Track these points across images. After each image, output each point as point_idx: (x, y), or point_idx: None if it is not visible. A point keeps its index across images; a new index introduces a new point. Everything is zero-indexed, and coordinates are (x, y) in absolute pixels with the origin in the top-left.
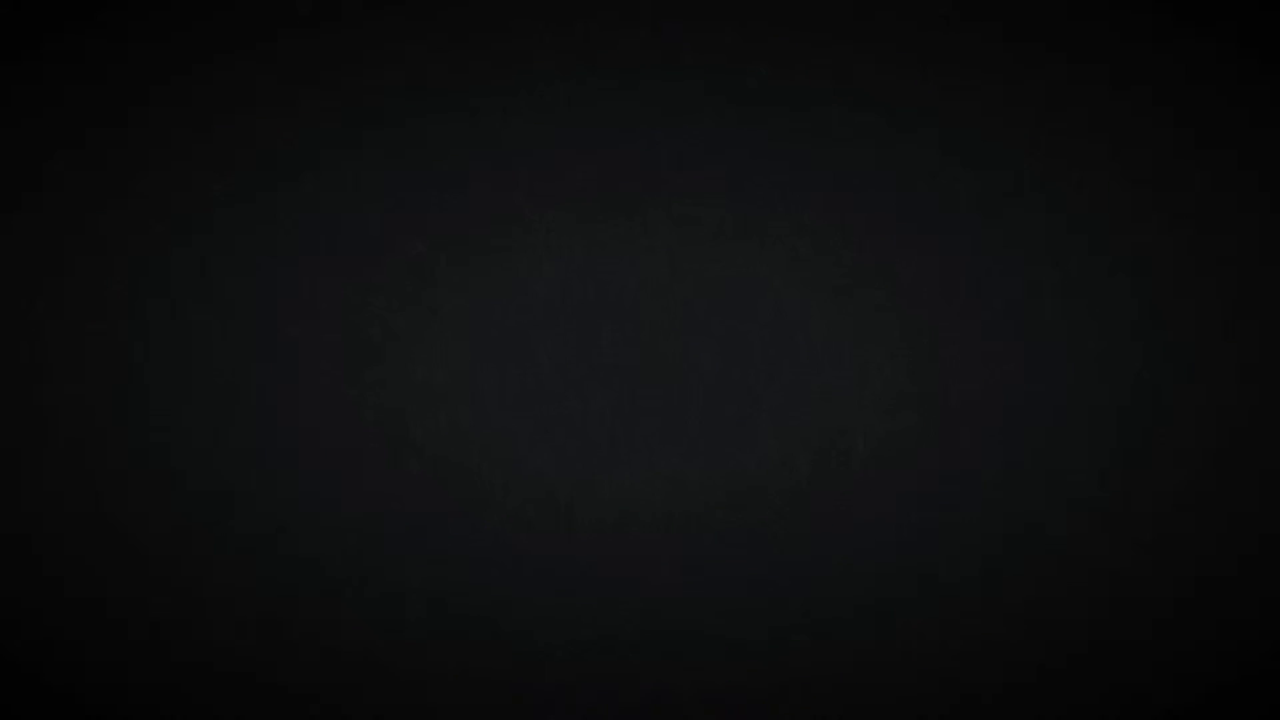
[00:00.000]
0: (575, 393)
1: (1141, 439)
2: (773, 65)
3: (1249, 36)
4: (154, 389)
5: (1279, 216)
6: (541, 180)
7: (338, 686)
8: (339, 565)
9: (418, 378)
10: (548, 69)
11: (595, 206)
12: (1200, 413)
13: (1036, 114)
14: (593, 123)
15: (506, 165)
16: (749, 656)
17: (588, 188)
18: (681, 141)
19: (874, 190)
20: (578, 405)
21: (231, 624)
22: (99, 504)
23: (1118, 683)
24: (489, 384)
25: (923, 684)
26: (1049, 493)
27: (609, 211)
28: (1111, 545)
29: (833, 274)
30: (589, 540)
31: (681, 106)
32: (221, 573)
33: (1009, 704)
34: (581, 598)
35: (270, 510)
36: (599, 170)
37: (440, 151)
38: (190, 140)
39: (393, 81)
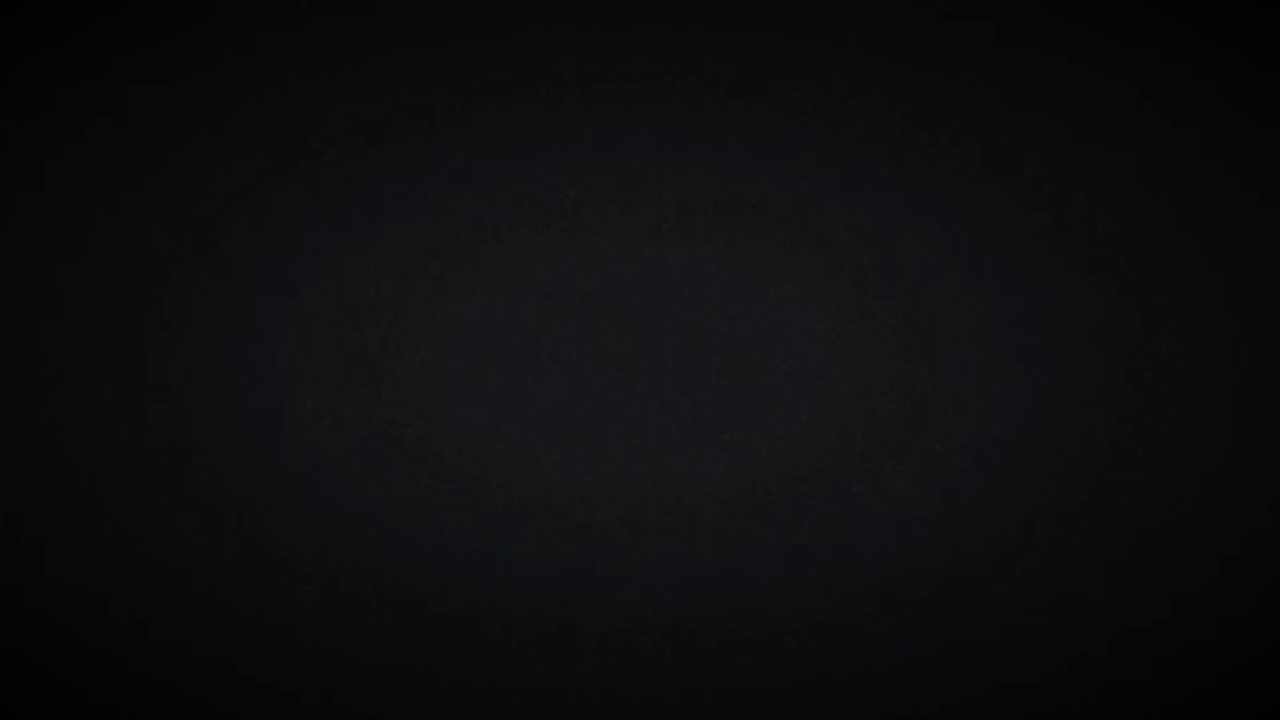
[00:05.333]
0: (571, 393)
1: (1141, 438)
2: (773, 66)
3: (1251, 38)
4: (154, 390)
5: (1278, 217)
6: (542, 181)
7: (339, 687)
8: (340, 565)
9: (418, 379)
10: (546, 71)
11: (595, 208)
12: (1200, 412)
13: (1037, 116)
14: (592, 125)
15: (509, 168)
16: (748, 656)
17: (588, 189)
18: (682, 143)
19: (875, 191)
20: (574, 406)
21: (229, 623)
22: (99, 504)
23: (1117, 680)
24: (489, 383)
25: (923, 683)
26: (1050, 492)
27: (609, 213)
28: (1113, 544)
29: (833, 274)
30: (587, 540)
31: (681, 108)
32: (219, 572)
33: (1010, 702)
34: (580, 597)
35: (268, 511)
36: (599, 172)
37: (440, 154)
38: (189, 143)
39: (390, 85)
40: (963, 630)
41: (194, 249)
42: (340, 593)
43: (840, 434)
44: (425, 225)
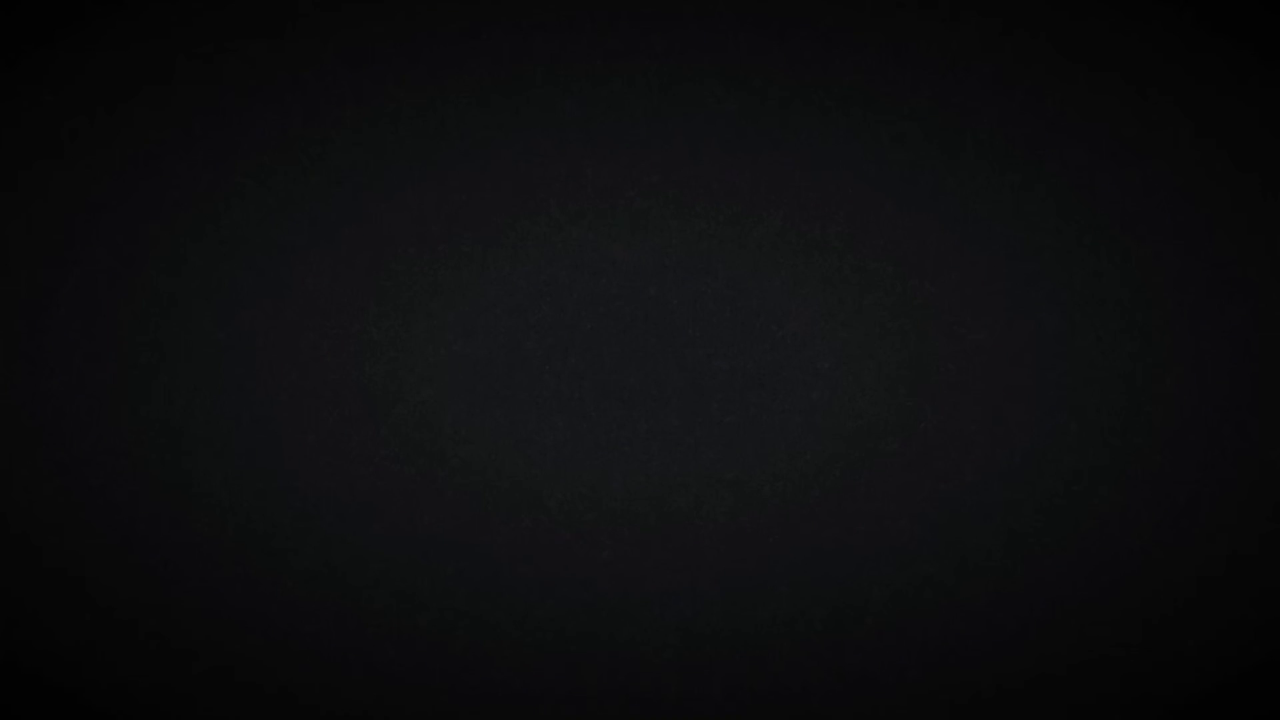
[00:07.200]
0: (574, 431)
1: (1147, 476)
2: (778, 98)
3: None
4: (154, 425)
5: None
6: (544, 218)
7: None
8: (343, 602)
9: (420, 416)
10: (550, 105)
11: (598, 245)
12: (1205, 449)
13: (1044, 152)
14: (596, 161)
15: (511, 205)
16: (753, 692)
17: (591, 226)
18: (686, 180)
19: (879, 228)
20: (577, 443)
21: (231, 653)
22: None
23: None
24: (491, 421)
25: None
26: (1055, 529)
27: (612, 249)
28: (1118, 580)
29: (837, 311)
30: (591, 577)
31: (685, 146)
32: (222, 606)
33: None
34: (584, 635)
35: (270, 548)
36: (602, 209)
37: (442, 192)
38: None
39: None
40: (966, 665)
41: (193, 285)
42: (343, 629)
43: (844, 470)
44: (427, 262)
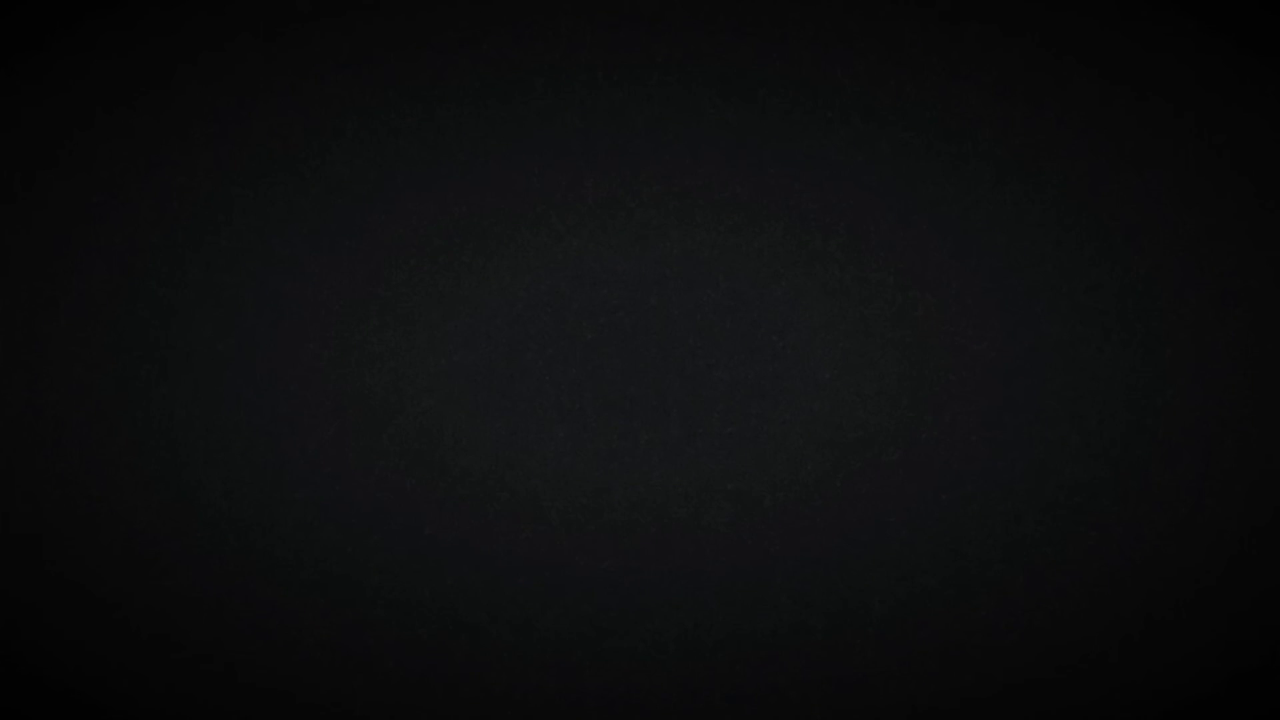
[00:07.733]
0: (575, 442)
1: (1147, 492)
2: (780, 113)
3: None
4: (155, 435)
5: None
6: (545, 229)
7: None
8: (341, 615)
9: (420, 427)
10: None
11: (599, 256)
12: (1207, 467)
13: (1047, 164)
14: (595, 174)
15: (512, 216)
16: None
17: (591, 237)
18: (687, 192)
19: (881, 240)
20: (578, 454)
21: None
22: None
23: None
24: (491, 431)
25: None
26: (1055, 543)
27: (613, 260)
28: (1117, 593)
29: (838, 323)
30: (591, 590)
31: (687, 156)
32: (221, 621)
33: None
34: (583, 651)
35: (271, 560)
36: (603, 220)
37: (442, 203)
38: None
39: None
40: (967, 676)
41: (193, 294)
42: (344, 638)
43: (845, 481)
44: (428, 272)
